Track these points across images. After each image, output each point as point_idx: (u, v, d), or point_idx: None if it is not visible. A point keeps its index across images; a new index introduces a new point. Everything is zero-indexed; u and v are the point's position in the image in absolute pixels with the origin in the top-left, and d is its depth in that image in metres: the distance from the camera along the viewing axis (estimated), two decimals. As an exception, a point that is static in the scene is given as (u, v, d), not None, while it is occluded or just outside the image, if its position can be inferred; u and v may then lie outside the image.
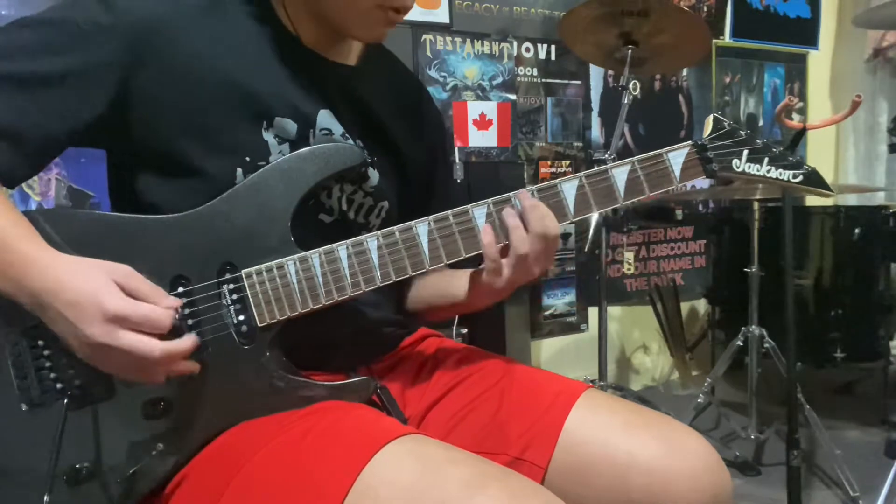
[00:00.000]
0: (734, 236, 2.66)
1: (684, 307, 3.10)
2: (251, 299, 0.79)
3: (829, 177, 0.90)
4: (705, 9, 3.16)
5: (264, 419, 0.78)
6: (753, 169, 0.86)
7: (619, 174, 0.84)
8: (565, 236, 2.82)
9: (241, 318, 0.79)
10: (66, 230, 0.76)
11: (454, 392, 0.92)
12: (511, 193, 0.83)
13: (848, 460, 1.98)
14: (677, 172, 0.85)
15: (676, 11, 2.29)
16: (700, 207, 3.18)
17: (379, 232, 0.82)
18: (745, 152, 0.86)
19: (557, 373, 0.94)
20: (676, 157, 0.85)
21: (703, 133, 0.87)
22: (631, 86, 2.08)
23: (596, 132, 2.90)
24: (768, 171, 0.86)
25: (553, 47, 2.77)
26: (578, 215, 0.84)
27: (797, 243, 2.37)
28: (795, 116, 3.50)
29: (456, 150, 2.48)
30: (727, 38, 3.26)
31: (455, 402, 0.91)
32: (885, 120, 3.43)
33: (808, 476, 2.09)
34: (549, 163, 2.79)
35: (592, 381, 2.12)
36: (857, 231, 2.39)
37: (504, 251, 0.83)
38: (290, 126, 0.85)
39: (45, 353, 0.75)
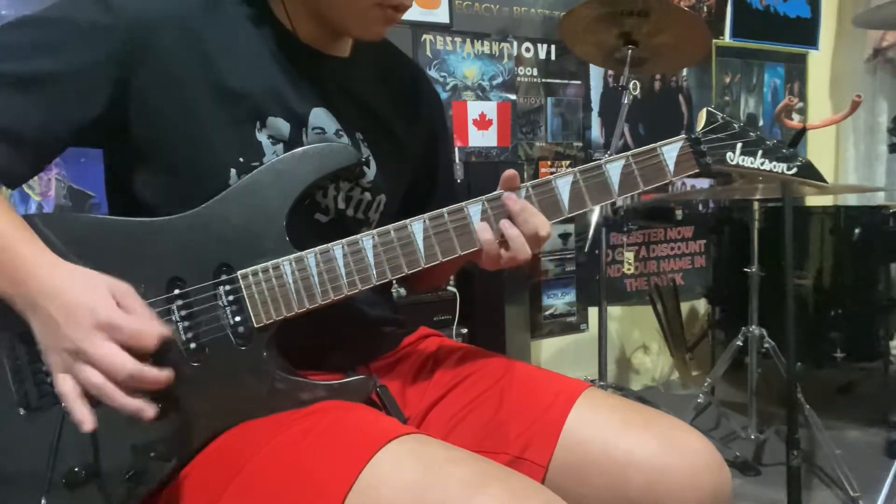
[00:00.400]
0: (734, 236, 2.66)
1: (684, 307, 3.10)
2: (247, 300, 0.79)
3: (829, 177, 0.90)
4: (705, 9, 3.16)
5: (264, 419, 0.78)
6: (747, 162, 0.86)
7: (614, 169, 0.84)
8: (565, 236, 2.82)
9: (238, 318, 0.79)
10: (63, 234, 0.76)
11: (454, 392, 0.92)
12: (497, 193, 0.83)
13: (848, 460, 1.98)
14: (671, 166, 0.85)
15: (676, 11, 2.29)
16: (700, 207, 3.18)
17: (374, 231, 0.82)
18: (739, 145, 0.86)
19: (557, 373, 0.94)
20: (670, 150, 0.85)
21: (697, 127, 0.87)
22: (631, 86, 2.09)
23: (596, 132, 2.90)
24: (762, 164, 0.86)
25: (553, 47, 2.77)
26: (574, 211, 0.84)
27: (797, 243, 2.37)
28: (795, 116, 3.50)
29: (456, 150, 2.48)
30: (727, 38, 3.26)
31: (455, 401, 0.91)
32: (885, 120, 3.43)
33: (808, 476, 2.09)
34: (549, 163, 2.79)
35: (592, 381, 2.11)
36: (857, 231, 2.38)
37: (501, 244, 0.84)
38: (283, 126, 0.85)
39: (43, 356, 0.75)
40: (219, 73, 0.82)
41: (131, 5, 0.79)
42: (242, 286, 0.79)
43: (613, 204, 2.13)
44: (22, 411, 0.75)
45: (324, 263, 0.80)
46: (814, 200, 2.95)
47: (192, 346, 0.77)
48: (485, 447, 0.82)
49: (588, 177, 0.84)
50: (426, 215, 0.83)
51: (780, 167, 0.86)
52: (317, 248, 0.80)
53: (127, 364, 0.69)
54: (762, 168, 0.86)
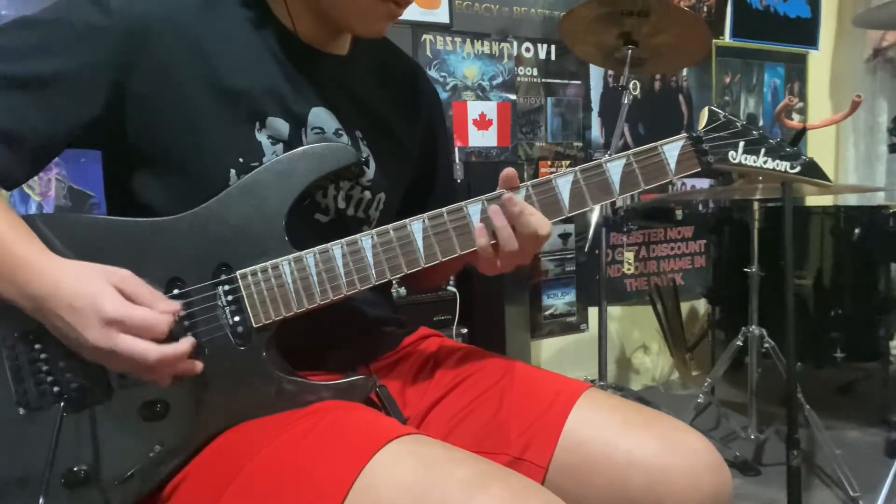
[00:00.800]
0: (734, 236, 2.65)
1: (684, 307, 3.10)
2: (246, 300, 0.79)
3: (829, 177, 0.89)
4: (705, 9, 3.16)
5: (264, 419, 0.78)
6: (750, 161, 0.85)
7: (615, 168, 0.84)
8: (565, 236, 2.82)
9: (237, 318, 0.79)
10: (63, 234, 0.76)
11: (454, 392, 0.92)
12: (497, 192, 0.83)
13: (848, 460, 1.98)
14: (672, 165, 0.84)
15: (676, 11, 2.29)
16: (700, 207, 3.18)
17: (373, 231, 0.82)
18: (742, 144, 0.85)
19: (557, 373, 0.94)
20: (671, 149, 0.84)
21: (699, 126, 0.86)
22: (631, 86, 2.09)
23: (596, 132, 2.90)
24: (765, 163, 0.85)
25: (553, 47, 2.77)
26: (574, 210, 0.84)
27: (797, 243, 2.37)
28: (795, 116, 3.50)
29: (456, 150, 2.48)
30: (727, 38, 3.26)
31: (455, 401, 0.90)
32: (885, 120, 3.42)
33: (808, 476, 2.09)
34: (549, 163, 2.79)
35: (592, 381, 2.12)
36: (857, 231, 2.38)
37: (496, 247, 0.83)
38: (282, 126, 0.85)
39: (42, 356, 0.75)
40: (217, 74, 0.82)
41: (128, 7, 0.79)
42: (241, 286, 0.79)
43: (613, 204, 2.13)
44: (21, 411, 0.75)
45: (323, 263, 0.80)
46: (814, 200, 2.94)
47: (192, 346, 0.77)
48: (485, 447, 0.82)
49: (589, 176, 0.84)
50: (425, 215, 0.82)
51: (784, 165, 0.85)
52: (316, 248, 0.80)
53: (150, 353, 0.71)
54: (765, 167, 0.84)
